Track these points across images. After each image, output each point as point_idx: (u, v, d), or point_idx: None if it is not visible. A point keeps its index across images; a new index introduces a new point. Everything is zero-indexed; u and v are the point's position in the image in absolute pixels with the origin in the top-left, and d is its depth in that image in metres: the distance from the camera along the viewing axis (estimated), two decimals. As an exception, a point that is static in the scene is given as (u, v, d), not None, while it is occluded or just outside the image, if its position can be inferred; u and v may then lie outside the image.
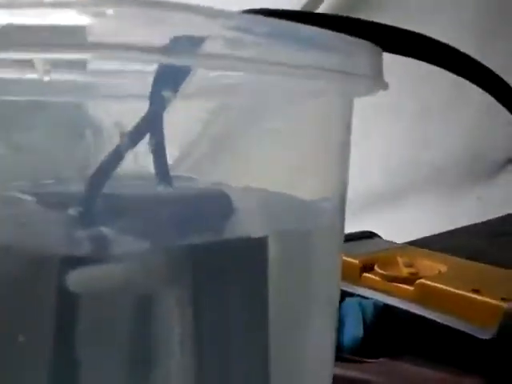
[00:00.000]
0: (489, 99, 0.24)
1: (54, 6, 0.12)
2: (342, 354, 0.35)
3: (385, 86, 0.16)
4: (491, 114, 0.84)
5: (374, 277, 0.44)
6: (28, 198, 0.18)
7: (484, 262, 0.46)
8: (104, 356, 0.15)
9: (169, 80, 0.15)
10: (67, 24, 0.12)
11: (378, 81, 0.16)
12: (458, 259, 0.47)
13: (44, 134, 0.19)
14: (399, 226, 0.82)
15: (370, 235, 0.53)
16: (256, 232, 0.16)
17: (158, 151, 0.18)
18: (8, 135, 0.18)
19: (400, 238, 0.65)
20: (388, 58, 0.19)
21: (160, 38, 0.12)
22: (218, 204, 0.17)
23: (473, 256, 0.49)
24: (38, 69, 0.11)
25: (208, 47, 0.13)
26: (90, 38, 0.12)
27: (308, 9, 0.94)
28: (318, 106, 0.17)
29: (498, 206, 0.78)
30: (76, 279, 0.15)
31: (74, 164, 0.18)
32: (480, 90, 0.21)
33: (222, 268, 0.16)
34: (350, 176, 0.20)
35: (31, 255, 0.15)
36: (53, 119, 0.19)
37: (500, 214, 0.76)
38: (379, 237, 0.54)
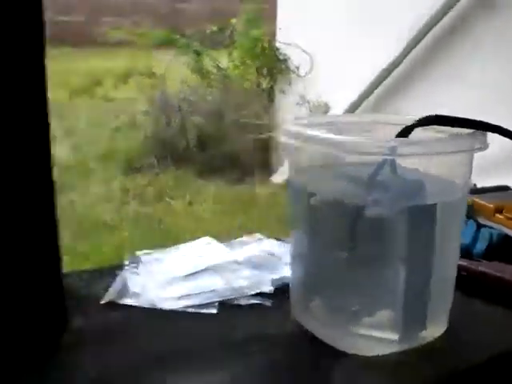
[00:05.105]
0: None
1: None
2: (473, 258, 0.62)
3: (487, 147, 0.43)
4: None
5: (501, 217, 0.69)
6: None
7: None
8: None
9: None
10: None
11: (485, 146, 0.43)
12: None
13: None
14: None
15: (505, 188, 0.77)
16: (432, 200, 0.44)
17: (393, 165, 0.46)
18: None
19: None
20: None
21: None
22: (418, 184, 0.45)
23: None
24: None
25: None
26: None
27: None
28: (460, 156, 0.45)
29: None
30: (367, 212, 0.44)
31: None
32: None
33: (418, 218, 0.44)
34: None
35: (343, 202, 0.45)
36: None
37: None
38: (512, 190, 0.78)
